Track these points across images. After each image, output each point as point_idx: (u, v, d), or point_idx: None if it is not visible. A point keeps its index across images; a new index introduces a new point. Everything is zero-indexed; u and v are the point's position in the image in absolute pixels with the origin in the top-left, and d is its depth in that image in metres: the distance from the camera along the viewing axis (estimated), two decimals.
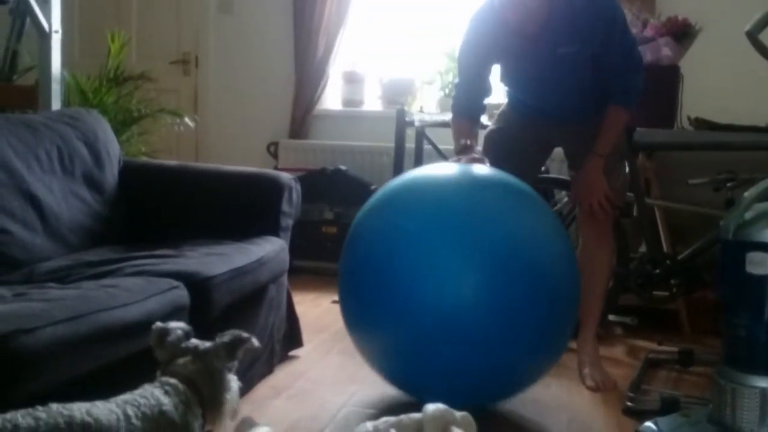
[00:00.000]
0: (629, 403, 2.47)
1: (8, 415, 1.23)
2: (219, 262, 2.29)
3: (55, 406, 1.29)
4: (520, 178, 2.64)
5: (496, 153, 2.69)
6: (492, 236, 2.15)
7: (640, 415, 2.34)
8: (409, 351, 2.17)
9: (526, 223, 2.25)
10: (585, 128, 2.64)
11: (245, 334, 1.59)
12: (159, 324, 1.61)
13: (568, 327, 2.36)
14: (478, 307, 2.09)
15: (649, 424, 2.12)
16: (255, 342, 1.59)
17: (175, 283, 2.06)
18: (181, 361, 1.53)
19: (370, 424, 1.45)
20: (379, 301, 2.19)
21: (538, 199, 2.40)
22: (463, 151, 2.55)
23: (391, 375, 2.35)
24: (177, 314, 2.00)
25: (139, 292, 1.94)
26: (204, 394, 1.51)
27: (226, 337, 1.58)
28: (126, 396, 1.41)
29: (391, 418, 1.44)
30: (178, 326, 1.60)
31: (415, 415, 1.45)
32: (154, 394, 1.43)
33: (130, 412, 1.36)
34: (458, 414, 1.45)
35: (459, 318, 2.08)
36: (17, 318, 1.60)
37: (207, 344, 1.57)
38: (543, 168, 3.05)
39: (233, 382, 1.59)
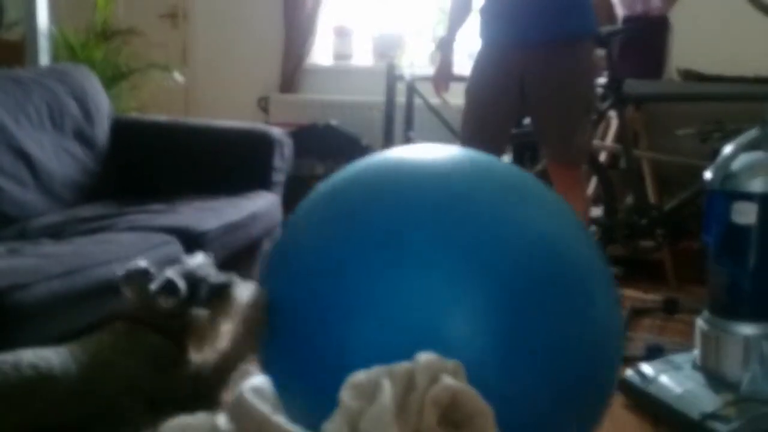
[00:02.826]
0: None
1: None
2: (212, 216, 2.30)
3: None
4: (501, 130, 2.71)
5: (475, 108, 2.71)
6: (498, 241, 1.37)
7: (625, 362, 2.39)
8: None
9: (546, 221, 1.47)
10: (548, 55, 2.58)
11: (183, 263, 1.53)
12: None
13: (615, 371, 1.54)
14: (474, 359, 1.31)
15: (634, 370, 2.17)
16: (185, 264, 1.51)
17: (168, 237, 2.08)
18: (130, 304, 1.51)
19: (363, 373, 1.49)
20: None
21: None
22: (440, 46, 2.86)
23: None
24: None
25: (133, 246, 1.96)
26: (156, 326, 1.46)
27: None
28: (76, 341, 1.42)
29: (383, 367, 1.48)
30: (138, 267, 1.53)
31: (407, 364, 1.48)
32: (99, 335, 1.44)
33: (77, 352, 1.38)
34: (449, 363, 1.48)
35: None
36: (12, 274, 1.62)
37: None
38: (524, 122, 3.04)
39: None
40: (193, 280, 1.49)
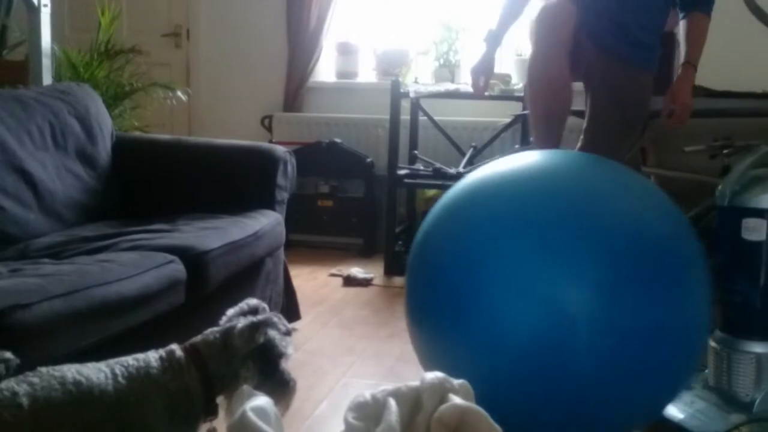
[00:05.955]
0: None
1: (3, 384, 1.26)
2: (214, 236, 2.28)
3: (44, 369, 1.33)
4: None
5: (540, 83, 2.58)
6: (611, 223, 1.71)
7: None
8: (495, 384, 1.67)
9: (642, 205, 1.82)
10: (614, 63, 2.53)
11: (275, 318, 1.55)
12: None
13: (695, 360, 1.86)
14: (591, 326, 1.63)
15: None
16: (280, 325, 1.55)
17: (170, 257, 2.06)
18: (208, 331, 1.54)
19: (368, 394, 1.46)
20: (460, 328, 1.75)
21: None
22: (486, 39, 2.67)
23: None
24: (173, 289, 2.00)
25: (135, 266, 1.93)
26: (210, 367, 1.50)
27: (257, 318, 1.54)
28: (120, 358, 1.44)
29: (389, 388, 1.45)
30: (252, 305, 1.61)
31: (413, 384, 1.46)
32: (147, 357, 1.45)
33: (118, 371, 1.40)
34: (456, 382, 1.46)
35: (563, 343, 1.63)
36: (13, 294, 1.59)
37: (241, 323, 1.54)
38: None
39: (267, 375, 1.52)
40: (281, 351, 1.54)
